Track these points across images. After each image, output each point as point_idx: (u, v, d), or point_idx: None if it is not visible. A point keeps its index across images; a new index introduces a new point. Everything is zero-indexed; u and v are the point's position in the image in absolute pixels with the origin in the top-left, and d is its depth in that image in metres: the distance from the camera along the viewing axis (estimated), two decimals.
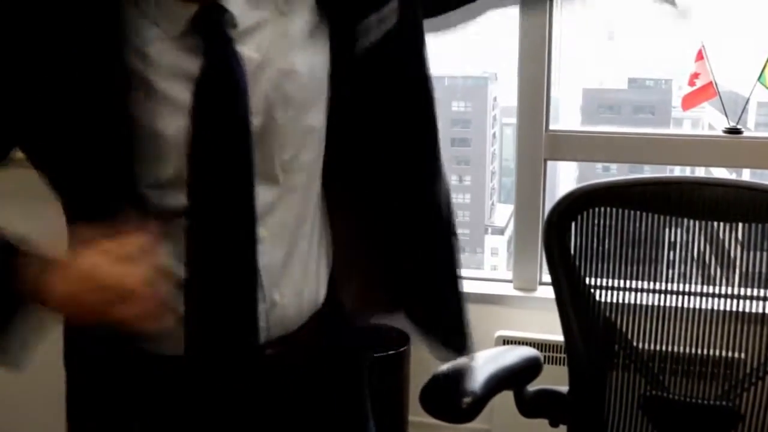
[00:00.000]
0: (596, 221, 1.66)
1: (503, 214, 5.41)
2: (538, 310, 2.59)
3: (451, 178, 1.50)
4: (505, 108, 5.29)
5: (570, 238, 1.67)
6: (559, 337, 1.71)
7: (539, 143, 2.58)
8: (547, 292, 2.51)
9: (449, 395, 1.47)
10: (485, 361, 1.60)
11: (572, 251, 1.66)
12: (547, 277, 2.64)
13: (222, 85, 1.07)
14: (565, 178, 4.06)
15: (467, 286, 2.81)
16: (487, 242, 5.41)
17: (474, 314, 2.68)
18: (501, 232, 5.33)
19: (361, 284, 1.26)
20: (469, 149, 5.15)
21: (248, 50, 1.08)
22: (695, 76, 2.53)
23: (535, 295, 2.66)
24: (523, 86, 2.58)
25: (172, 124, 1.06)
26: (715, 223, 1.63)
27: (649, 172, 2.64)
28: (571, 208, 1.66)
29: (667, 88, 4.78)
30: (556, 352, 2.48)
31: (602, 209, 1.66)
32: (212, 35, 1.07)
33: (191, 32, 1.06)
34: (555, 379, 1.74)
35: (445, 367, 1.54)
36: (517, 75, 2.58)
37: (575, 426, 1.69)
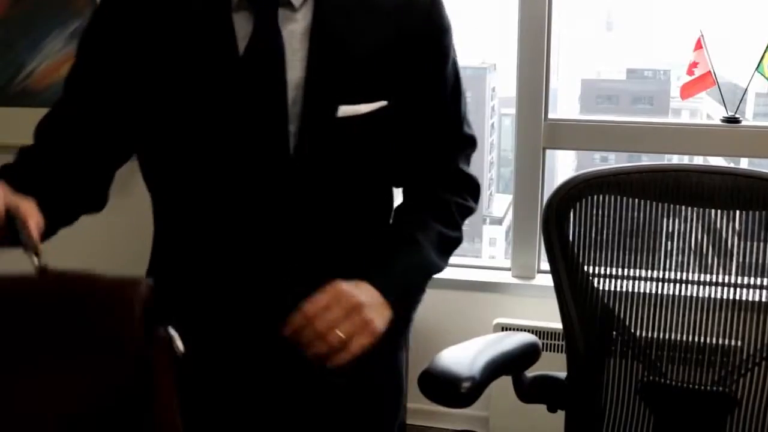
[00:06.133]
0: (595, 209, 1.67)
1: (502, 204, 5.43)
2: (537, 297, 2.60)
3: None
4: (503, 98, 5.29)
5: (568, 225, 1.67)
6: (556, 324, 1.71)
7: (538, 132, 2.59)
8: (546, 280, 2.53)
9: (448, 380, 1.47)
10: (484, 347, 1.60)
11: (571, 239, 1.67)
12: (545, 265, 2.65)
13: (262, 60, 1.14)
14: (563, 169, 4.07)
15: (466, 274, 2.83)
16: (486, 232, 5.43)
17: (473, 301, 2.72)
18: (499, 222, 5.34)
19: None
20: None
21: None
22: (694, 65, 2.53)
23: (534, 283, 2.68)
24: (523, 75, 2.58)
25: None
26: (713, 211, 1.64)
27: (647, 161, 2.65)
28: (569, 195, 1.67)
29: (666, 79, 4.79)
30: (554, 340, 2.50)
31: (601, 197, 1.66)
32: (261, 10, 1.15)
33: (245, 5, 1.15)
34: (552, 367, 1.75)
35: (444, 352, 1.55)
36: (516, 64, 2.58)
37: (573, 411, 1.70)
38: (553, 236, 1.67)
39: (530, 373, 1.70)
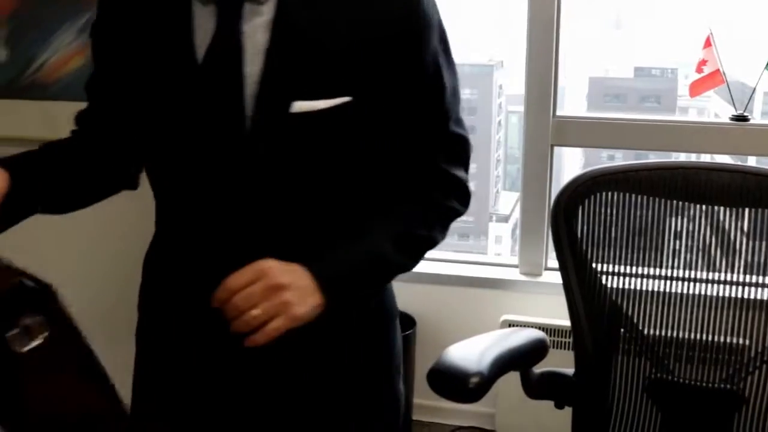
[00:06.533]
0: (603, 206, 1.67)
1: (508, 201, 5.43)
2: (544, 294, 2.60)
3: None
4: (510, 96, 5.30)
5: (577, 222, 1.67)
6: (563, 321, 1.71)
7: (546, 129, 2.59)
8: (553, 277, 2.53)
9: (457, 375, 1.48)
10: (492, 343, 1.60)
11: (579, 236, 1.67)
12: (552, 263, 2.65)
13: (221, 61, 1.14)
14: (569, 167, 4.08)
15: (474, 271, 2.83)
16: (492, 230, 5.43)
17: (480, 298, 2.73)
18: (505, 219, 5.34)
19: None
20: (475, 137, 5.16)
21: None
22: (703, 63, 2.53)
23: (541, 280, 2.68)
24: (531, 72, 2.58)
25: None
26: (721, 209, 1.64)
27: (654, 159, 2.65)
28: (578, 192, 1.67)
29: (673, 78, 4.78)
30: (561, 337, 2.50)
31: (609, 194, 1.66)
32: (225, 4, 1.14)
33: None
34: (560, 364, 1.75)
35: (451, 348, 1.56)
36: (525, 61, 2.59)
37: (580, 408, 1.70)
38: (561, 233, 1.68)
39: (538, 369, 1.70)
